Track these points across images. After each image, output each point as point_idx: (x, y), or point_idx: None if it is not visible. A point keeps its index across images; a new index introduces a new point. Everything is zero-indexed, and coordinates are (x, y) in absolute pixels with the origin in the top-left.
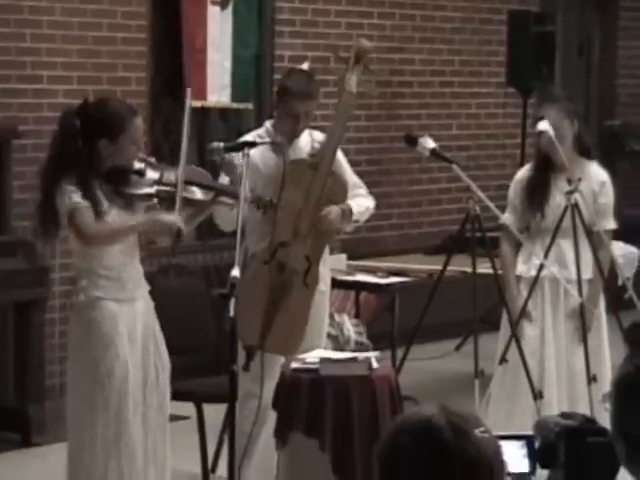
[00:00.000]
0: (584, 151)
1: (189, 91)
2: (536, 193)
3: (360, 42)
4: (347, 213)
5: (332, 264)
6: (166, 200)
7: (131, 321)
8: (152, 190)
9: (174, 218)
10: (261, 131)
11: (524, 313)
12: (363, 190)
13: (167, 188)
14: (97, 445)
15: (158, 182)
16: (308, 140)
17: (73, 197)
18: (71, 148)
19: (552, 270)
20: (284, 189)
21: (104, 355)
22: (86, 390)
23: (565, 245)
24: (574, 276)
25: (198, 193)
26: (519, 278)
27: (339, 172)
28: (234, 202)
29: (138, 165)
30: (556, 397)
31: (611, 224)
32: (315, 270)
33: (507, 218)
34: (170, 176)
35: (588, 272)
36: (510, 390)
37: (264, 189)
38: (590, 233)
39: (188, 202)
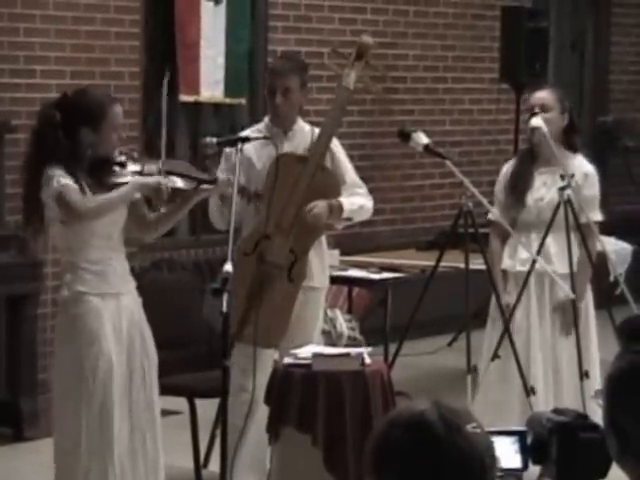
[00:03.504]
0: (571, 145)
1: (165, 82)
2: (519, 187)
3: (363, 38)
4: (336, 209)
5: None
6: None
7: (116, 316)
8: None
9: (156, 178)
10: (260, 126)
11: (514, 310)
12: (362, 190)
13: None
14: (81, 442)
15: (139, 173)
16: (309, 136)
17: (61, 179)
18: (52, 141)
19: (543, 265)
20: (275, 182)
21: (88, 351)
22: (71, 386)
23: (549, 240)
24: (559, 270)
25: (180, 183)
26: (505, 273)
27: (337, 168)
28: (214, 188)
29: (120, 157)
30: (542, 391)
31: (598, 216)
32: (301, 265)
33: (495, 213)
34: (151, 167)
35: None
36: (497, 385)
37: (258, 183)
38: (579, 225)
39: (172, 192)
